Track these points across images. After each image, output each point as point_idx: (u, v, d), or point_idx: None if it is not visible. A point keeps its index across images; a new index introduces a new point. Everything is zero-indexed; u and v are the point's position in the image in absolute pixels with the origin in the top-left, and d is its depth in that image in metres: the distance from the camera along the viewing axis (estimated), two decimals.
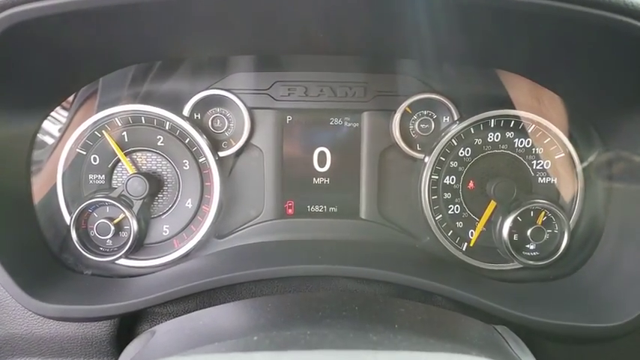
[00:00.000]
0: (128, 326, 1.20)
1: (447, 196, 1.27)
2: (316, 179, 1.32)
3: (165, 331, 0.87)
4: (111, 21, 0.86)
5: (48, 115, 1.13)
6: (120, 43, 1.00)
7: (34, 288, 1.04)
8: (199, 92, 1.25)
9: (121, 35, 0.95)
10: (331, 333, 0.62)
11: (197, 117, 1.27)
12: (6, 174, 1.07)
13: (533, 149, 1.26)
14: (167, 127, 1.24)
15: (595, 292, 1.12)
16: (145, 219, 1.25)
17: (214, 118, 1.28)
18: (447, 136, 1.25)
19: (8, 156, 1.07)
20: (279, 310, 0.82)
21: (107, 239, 1.24)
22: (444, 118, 1.28)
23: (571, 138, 1.24)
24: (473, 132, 1.25)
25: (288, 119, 1.30)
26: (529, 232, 1.23)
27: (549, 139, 1.24)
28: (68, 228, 1.20)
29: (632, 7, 0.80)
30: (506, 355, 0.76)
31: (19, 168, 1.11)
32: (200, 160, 1.25)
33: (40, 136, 1.15)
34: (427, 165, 1.26)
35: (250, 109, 1.27)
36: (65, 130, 1.22)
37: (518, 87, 1.23)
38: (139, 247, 1.24)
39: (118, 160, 1.24)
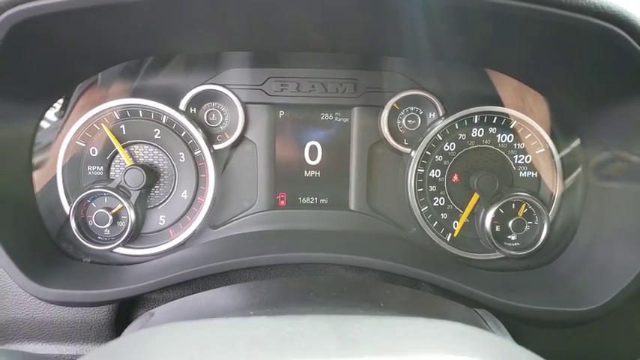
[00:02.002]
0: (126, 312, 1.24)
1: (433, 188, 1.33)
2: (307, 172, 1.37)
3: (164, 311, 0.91)
4: (112, 18, 0.90)
5: (49, 108, 1.17)
6: (120, 39, 1.04)
7: (35, 274, 1.08)
8: (195, 87, 1.29)
9: (121, 31, 0.99)
10: (323, 308, 0.67)
11: (193, 111, 1.31)
12: (9, 164, 1.10)
13: (515, 144, 1.31)
14: (164, 121, 1.28)
15: (571, 280, 1.18)
16: (142, 209, 1.29)
17: (209, 112, 1.32)
18: (432, 132, 1.30)
19: (12, 147, 1.11)
20: (272, 291, 0.86)
21: (105, 228, 1.28)
22: (430, 114, 1.33)
23: (551, 134, 1.30)
24: (457, 127, 1.30)
25: (280, 114, 1.34)
26: (510, 223, 1.29)
27: (530, 134, 1.30)
28: (67, 217, 1.24)
29: (608, 10, 0.86)
30: (482, 327, 0.82)
31: (22, 159, 1.14)
32: (195, 153, 1.29)
33: (41, 127, 1.19)
34: (414, 159, 1.31)
35: (244, 104, 1.31)
36: (65, 123, 1.25)
37: (505, 85, 1.29)
38: (136, 236, 1.28)
39: (116, 152, 1.28)
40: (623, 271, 1.05)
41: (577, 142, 1.26)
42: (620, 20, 0.84)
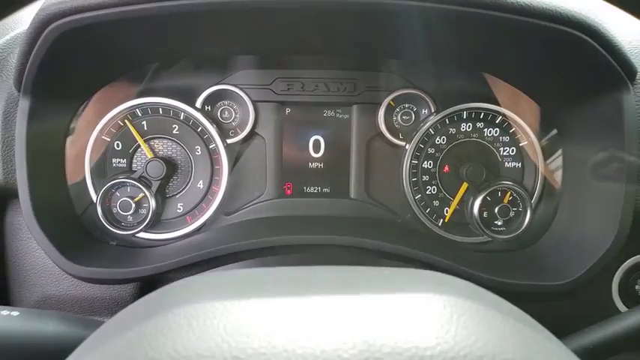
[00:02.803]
0: (147, 290, 1.36)
1: (425, 178, 1.44)
2: (311, 164, 1.48)
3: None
4: (145, 27, 1.03)
5: (81, 105, 1.30)
6: (149, 45, 1.17)
7: (70, 254, 1.20)
8: (210, 87, 1.41)
9: (151, 38, 1.12)
10: None
11: (208, 108, 1.43)
12: (48, 156, 1.24)
13: (501, 138, 1.42)
14: (182, 118, 1.40)
15: (550, 258, 1.30)
16: (162, 198, 1.41)
17: (223, 109, 1.44)
18: (425, 126, 1.41)
19: (50, 140, 1.24)
20: (281, 264, 0.99)
21: (128, 215, 1.39)
22: (423, 111, 1.45)
23: (534, 128, 1.42)
24: (448, 122, 1.42)
25: (287, 111, 1.46)
26: (496, 209, 1.40)
27: (514, 128, 1.42)
28: (95, 205, 1.36)
29: (573, 18, 0.99)
30: None
31: (58, 151, 1.27)
32: (210, 147, 1.41)
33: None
34: (408, 151, 1.42)
35: (254, 102, 1.42)
36: (92, 119, 1.37)
37: (500, 88, 1.40)
38: (156, 222, 1.40)
39: (138, 146, 1.39)
40: (593, 250, 1.17)
41: (557, 136, 1.38)
42: (582, 27, 0.97)
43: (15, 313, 0.86)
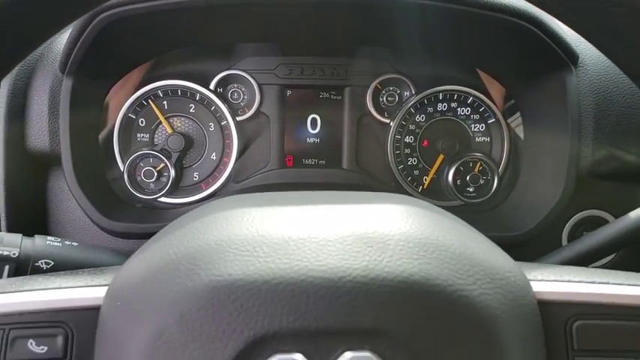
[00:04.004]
0: None
1: (407, 151, 1.64)
2: (309, 139, 1.67)
3: None
4: (176, 18, 1.26)
5: (114, 84, 1.52)
6: (177, 33, 1.39)
7: (104, 212, 1.41)
8: (222, 72, 1.60)
9: (179, 28, 1.34)
10: None
11: (220, 90, 1.62)
12: (85, 128, 1.45)
13: (472, 116, 1.63)
14: (197, 98, 1.59)
15: (511, 216, 1.52)
16: (180, 168, 1.60)
17: (233, 91, 1.63)
18: (407, 106, 1.61)
19: (89, 115, 1.46)
20: None
21: (151, 183, 1.59)
22: (405, 93, 1.64)
23: (500, 107, 1.65)
24: (426, 103, 1.62)
25: (288, 93, 1.65)
26: (468, 178, 1.59)
27: (484, 107, 1.63)
28: (122, 173, 1.56)
29: (519, 10, 1.22)
30: None
31: (93, 124, 1.49)
32: (222, 124, 1.61)
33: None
34: (392, 128, 1.62)
35: (260, 85, 1.61)
36: (121, 99, 1.58)
37: (472, 72, 1.62)
38: (175, 189, 1.59)
39: (160, 123, 1.59)
40: (543, 207, 1.41)
41: (518, 114, 1.61)
42: (527, 17, 1.19)
43: (75, 244, 1.08)
